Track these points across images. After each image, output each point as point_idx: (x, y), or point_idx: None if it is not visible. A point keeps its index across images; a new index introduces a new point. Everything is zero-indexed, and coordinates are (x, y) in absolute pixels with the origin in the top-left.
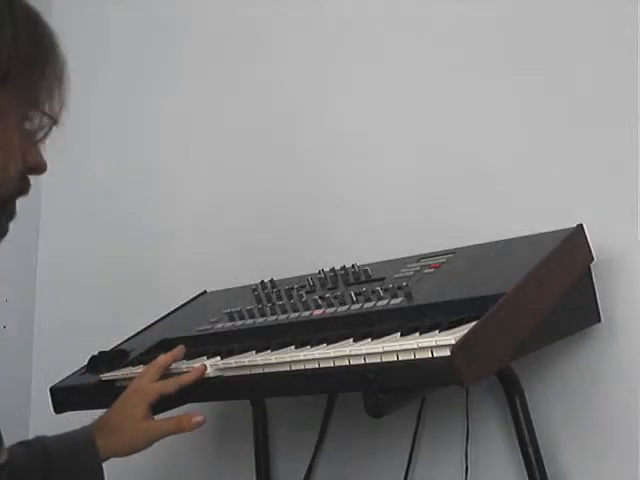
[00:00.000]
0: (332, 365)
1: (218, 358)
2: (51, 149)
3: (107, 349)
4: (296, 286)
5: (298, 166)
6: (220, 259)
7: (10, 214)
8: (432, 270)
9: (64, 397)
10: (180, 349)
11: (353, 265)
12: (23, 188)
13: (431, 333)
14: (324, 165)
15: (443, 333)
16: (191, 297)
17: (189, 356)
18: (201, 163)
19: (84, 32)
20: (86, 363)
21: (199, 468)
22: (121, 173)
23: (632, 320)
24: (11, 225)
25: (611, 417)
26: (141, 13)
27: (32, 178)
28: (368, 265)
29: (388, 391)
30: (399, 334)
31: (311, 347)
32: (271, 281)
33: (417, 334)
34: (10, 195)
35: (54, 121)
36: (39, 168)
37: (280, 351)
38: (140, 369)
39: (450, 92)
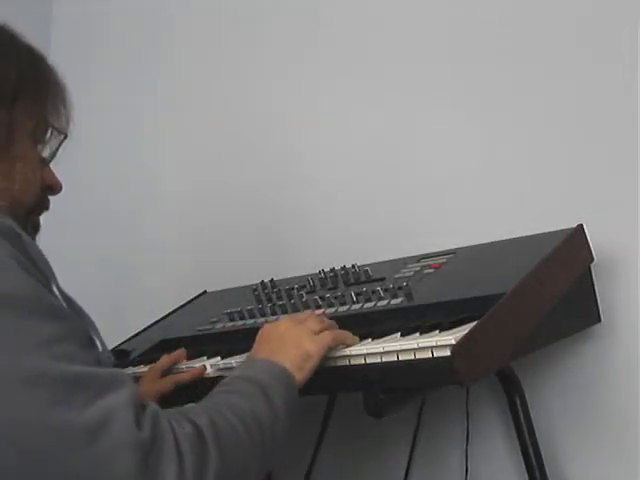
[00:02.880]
0: (332, 365)
1: (218, 358)
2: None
3: None
4: (296, 286)
5: (298, 167)
6: (220, 259)
7: (35, 227)
8: (432, 270)
9: None
10: (180, 353)
11: (353, 265)
12: (44, 203)
13: (431, 333)
14: (324, 165)
15: (443, 333)
16: (191, 297)
17: (189, 356)
18: (201, 164)
19: (81, 35)
20: None
21: None
22: (121, 174)
23: (632, 320)
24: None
25: (611, 417)
26: (136, 14)
27: None
28: (368, 265)
29: (388, 391)
30: (399, 334)
31: None
32: (271, 281)
33: (417, 334)
34: (34, 205)
35: (64, 135)
36: (55, 186)
37: None
38: (141, 369)
39: (450, 91)
